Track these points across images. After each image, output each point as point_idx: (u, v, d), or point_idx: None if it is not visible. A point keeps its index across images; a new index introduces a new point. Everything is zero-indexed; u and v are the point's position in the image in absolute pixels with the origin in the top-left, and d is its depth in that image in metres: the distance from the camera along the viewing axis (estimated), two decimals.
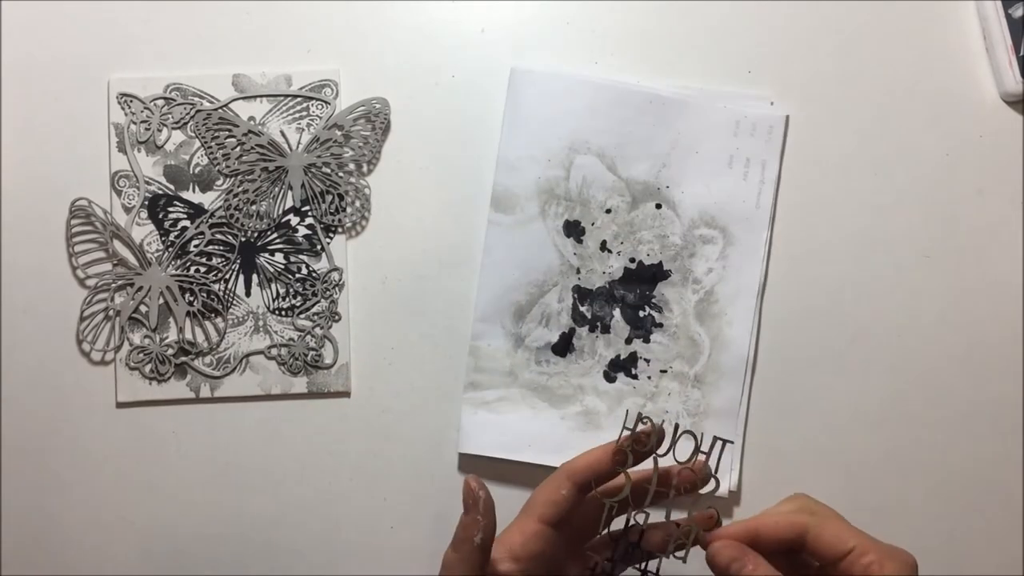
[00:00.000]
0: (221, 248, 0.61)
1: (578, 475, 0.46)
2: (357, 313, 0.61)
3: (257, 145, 0.60)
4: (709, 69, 0.61)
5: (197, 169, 0.61)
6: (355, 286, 0.61)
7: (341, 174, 0.61)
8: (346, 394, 0.60)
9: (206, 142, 0.60)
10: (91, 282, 0.60)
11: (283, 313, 0.60)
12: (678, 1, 0.62)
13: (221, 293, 0.60)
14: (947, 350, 0.60)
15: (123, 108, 0.60)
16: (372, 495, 0.60)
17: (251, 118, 0.61)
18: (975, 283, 0.60)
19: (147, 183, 0.60)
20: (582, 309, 0.60)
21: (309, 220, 0.61)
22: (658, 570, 0.45)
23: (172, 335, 0.60)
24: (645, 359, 0.60)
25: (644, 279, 0.60)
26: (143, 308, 0.60)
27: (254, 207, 0.60)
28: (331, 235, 0.61)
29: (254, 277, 0.61)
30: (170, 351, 0.60)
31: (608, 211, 0.60)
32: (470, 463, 0.60)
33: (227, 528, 0.60)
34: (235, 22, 0.61)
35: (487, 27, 0.62)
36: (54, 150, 0.60)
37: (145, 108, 0.60)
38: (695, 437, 0.45)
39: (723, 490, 0.58)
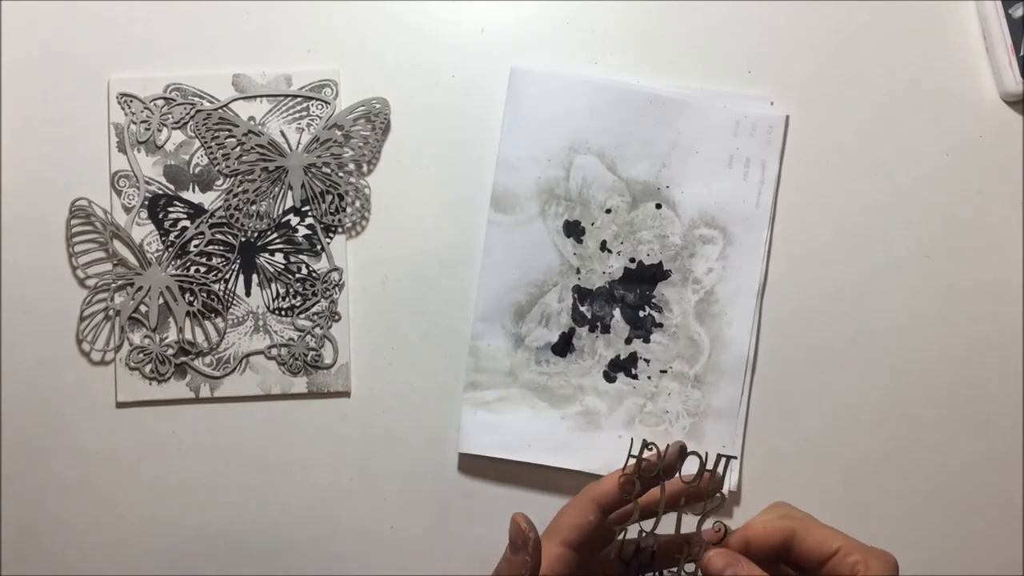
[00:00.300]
0: (221, 248, 0.61)
1: (603, 499, 0.46)
2: (357, 313, 0.61)
3: (257, 145, 0.60)
4: (709, 69, 0.61)
5: (197, 169, 0.61)
6: (355, 286, 0.61)
7: (341, 174, 0.61)
8: (346, 394, 0.60)
9: (206, 142, 0.60)
10: (91, 282, 0.60)
11: (283, 313, 0.60)
12: (678, 1, 0.62)
13: (221, 293, 0.60)
14: (947, 350, 0.60)
15: (123, 108, 0.60)
16: (372, 495, 0.60)
17: (251, 118, 0.61)
18: (975, 283, 0.60)
19: (147, 183, 0.60)
20: (582, 309, 0.60)
21: (309, 220, 0.61)
22: None
23: (172, 335, 0.60)
24: (645, 359, 0.60)
25: (644, 279, 0.60)
26: (143, 308, 0.60)
27: (254, 207, 0.60)
28: (331, 235, 0.61)
29: (254, 277, 0.61)
30: (170, 351, 0.60)
31: (608, 211, 0.60)
32: (470, 463, 0.60)
33: (227, 528, 0.60)
34: (235, 22, 0.61)
35: (487, 27, 0.62)
36: (54, 150, 0.60)
37: (145, 108, 0.60)
38: (700, 457, 0.45)
39: (723, 490, 0.58)
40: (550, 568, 0.46)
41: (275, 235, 0.61)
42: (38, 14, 0.61)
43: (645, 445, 0.44)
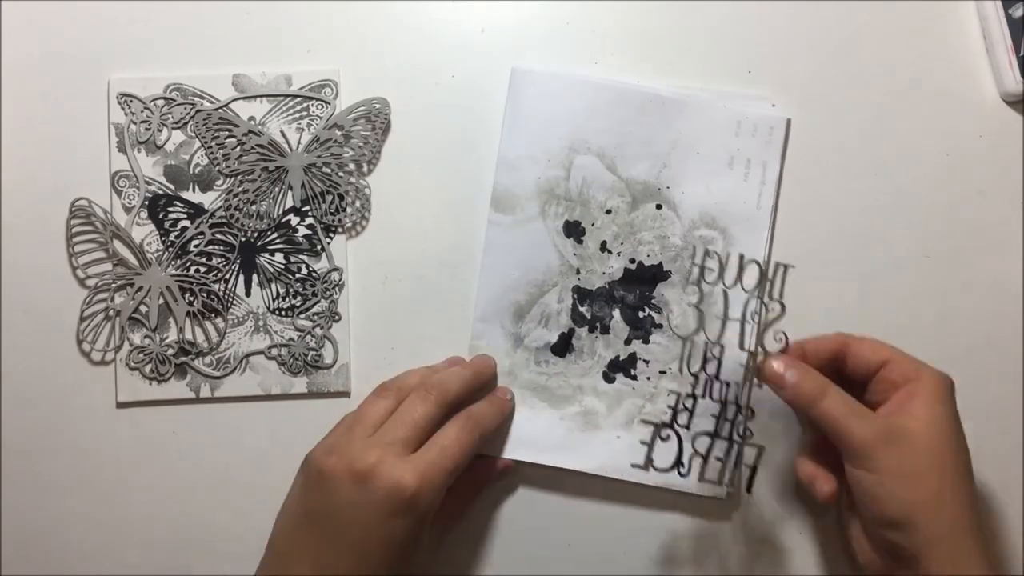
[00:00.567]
0: (221, 248, 0.61)
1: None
2: (357, 313, 0.61)
3: (257, 145, 0.60)
4: (709, 69, 0.61)
5: (197, 169, 0.61)
6: (355, 286, 0.61)
7: (341, 174, 0.61)
8: (346, 394, 0.60)
9: (206, 142, 0.60)
10: (91, 282, 0.60)
11: (283, 313, 0.60)
12: (678, 1, 0.62)
13: (221, 293, 0.60)
14: (947, 350, 0.60)
15: (123, 108, 0.61)
16: None
17: (251, 118, 0.61)
18: (975, 283, 0.60)
19: (147, 183, 0.60)
20: (582, 309, 0.60)
21: (309, 220, 0.61)
22: (741, 399, 0.52)
23: (172, 335, 0.60)
24: (644, 360, 0.60)
25: (644, 280, 0.60)
26: (143, 308, 0.60)
27: (254, 207, 0.60)
28: (331, 235, 0.61)
29: (254, 277, 0.61)
30: (170, 351, 0.60)
31: (608, 211, 0.60)
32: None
33: (227, 528, 0.60)
34: (235, 22, 0.61)
35: (487, 27, 0.62)
36: (54, 150, 0.60)
37: (145, 108, 0.60)
38: (760, 266, 0.51)
39: (722, 491, 0.58)
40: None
41: (275, 235, 0.61)
42: (38, 14, 0.61)
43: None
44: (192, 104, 0.60)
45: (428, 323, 0.61)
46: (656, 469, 0.52)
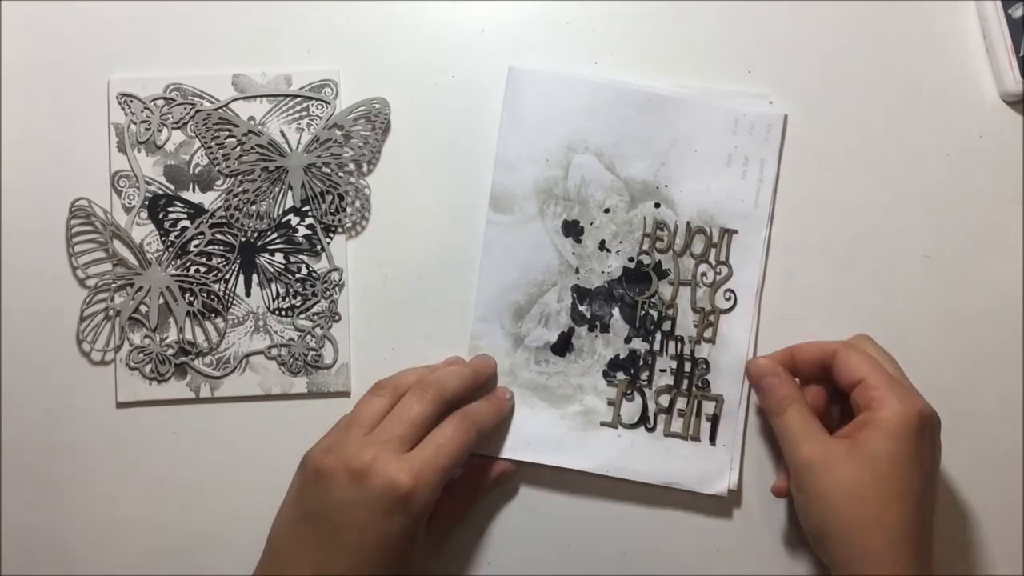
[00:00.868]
0: (221, 248, 0.61)
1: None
2: (357, 313, 0.61)
3: (257, 145, 0.60)
4: (708, 68, 0.61)
5: (197, 169, 0.61)
6: (355, 286, 0.61)
7: (341, 174, 0.61)
8: (346, 394, 0.60)
9: (206, 142, 0.60)
10: (91, 282, 0.60)
11: (283, 313, 0.60)
12: (678, 1, 0.62)
13: (221, 293, 0.60)
14: (947, 350, 0.60)
15: (123, 108, 0.61)
16: None
17: (251, 118, 0.61)
18: (975, 283, 0.60)
19: (147, 183, 0.60)
20: (581, 309, 0.60)
21: (309, 220, 0.61)
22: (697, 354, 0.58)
23: (172, 335, 0.60)
24: (644, 359, 0.60)
25: (643, 278, 0.60)
26: (143, 308, 0.60)
27: (254, 207, 0.61)
28: (331, 235, 0.61)
29: (254, 277, 0.61)
30: (170, 351, 0.60)
31: (607, 210, 0.60)
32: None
33: (227, 528, 0.60)
34: (235, 22, 0.61)
35: (487, 27, 0.62)
36: (54, 150, 0.61)
37: (145, 108, 0.60)
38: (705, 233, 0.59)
39: (723, 489, 0.58)
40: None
41: (275, 235, 0.61)
42: (38, 14, 0.61)
43: None
44: (192, 104, 0.61)
45: (428, 323, 0.61)
46: (624, 425, 0.58)
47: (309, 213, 0.61)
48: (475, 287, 0.60)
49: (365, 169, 0.61)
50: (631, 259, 0.60)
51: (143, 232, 0.60)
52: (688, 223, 0.59)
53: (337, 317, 0.60)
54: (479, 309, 0.60)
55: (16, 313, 0.60)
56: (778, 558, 0.59)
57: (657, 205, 0.60)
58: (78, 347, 0.60)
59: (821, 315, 0.60)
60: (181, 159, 0.61)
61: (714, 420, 0.59)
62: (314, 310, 0.60)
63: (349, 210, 0.61)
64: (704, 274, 0.59)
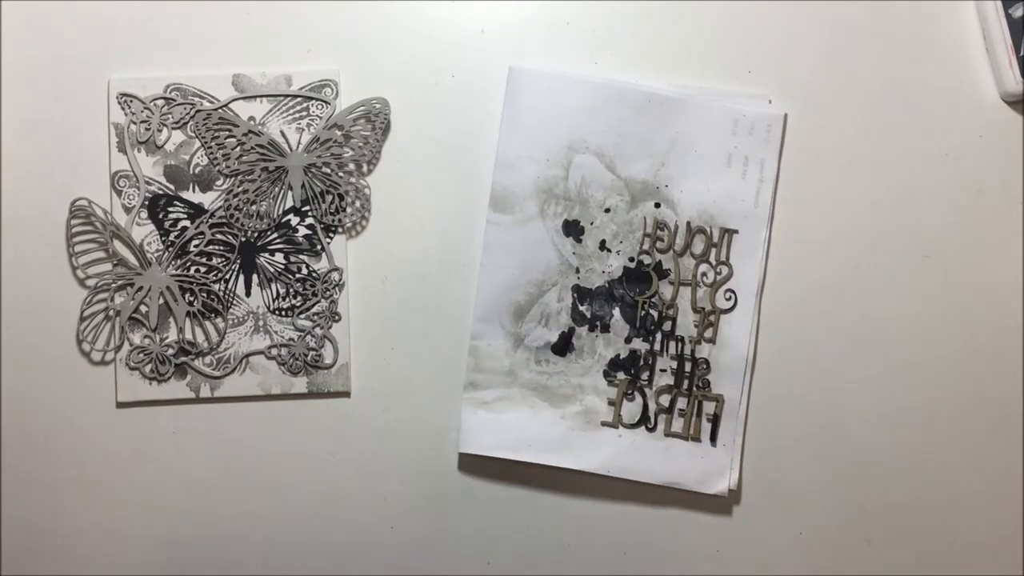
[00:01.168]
0: (221, 248, 0.61)
1: None
2: (357, 313, 0.61)
3: (257, 145, 0.60)
4: (708, 68, 0.61)
5: (197, 169, 0.61)
6: (355, 286, 0.61)
7: (341, 174, 0.61)
8: (346, 394, 0.60)
9: (206, 142, 0.60)
10: (91, 282, 0.60)
11: (283, 313, 0.60)
12: (678, 1, 0.62)
13: (221, 293, 0.60)
14: (947, 350, 0.60)
15: (123, 108, 0.61)
16: (372, 495, 0.60)
17: (251, 118, 0.61)
18: (975, 283, 0.60)
19: (147, 183, 0.60)
20: (581, 308, 0.60)
21: (309, 220, 0.61)
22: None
23: (172, 335, 0.60)
24: (645, 359, 0.60)
25: (643, 278, 0.60)
26: (143, 308, 0.60)
27: (254, 207, 0.61)
28: (331, 235, 0.61)
29: (254, 277, 0.61)
30: (170, 351, 0.60)
31: (607, 210, 0.60)
32: (470, 463, 0.60)
33: (227, 528, 0.60)
34: (235, 22, 0.61)
35: (487, 27, 0.62)
36: (54, 150, 0.61)
37: (145, 108, 0.60)
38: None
39: (723, 489, 0.58)
40: None
41: (275, 235, 0.61)
42: (38, 14, 0.61)
43: None
44: (192, 104, 0.61)
45: (428, 323, 0.61)
46: (624, 425, 0.59)
47: (309, 213, 0.61)
48: (475, 287, 0.60)
49: (365, 169, 0.61)
50: (631, 259, 0.60)
51: (143, 232, 0.60)
52: (688, 223, 0.59)
53: (337, 317, 0.60)
54: (479, 309, 0.60)
55: (16, 313, 0.60)
56: (778, 558, 0.59)
57: (657, 205, 0.60)
58: (78, 347, 0.60)
59: (821, 315, 0.60)
60: (181, 159, 0.61)
61: (714, 420, 0.59)
62: (314, 310, 0.60)
63: (349, 210, 0.61)
64: (704, 274, 0.59)
